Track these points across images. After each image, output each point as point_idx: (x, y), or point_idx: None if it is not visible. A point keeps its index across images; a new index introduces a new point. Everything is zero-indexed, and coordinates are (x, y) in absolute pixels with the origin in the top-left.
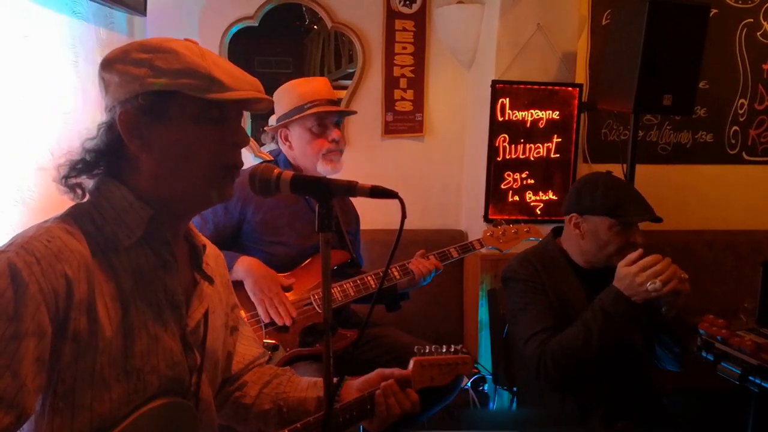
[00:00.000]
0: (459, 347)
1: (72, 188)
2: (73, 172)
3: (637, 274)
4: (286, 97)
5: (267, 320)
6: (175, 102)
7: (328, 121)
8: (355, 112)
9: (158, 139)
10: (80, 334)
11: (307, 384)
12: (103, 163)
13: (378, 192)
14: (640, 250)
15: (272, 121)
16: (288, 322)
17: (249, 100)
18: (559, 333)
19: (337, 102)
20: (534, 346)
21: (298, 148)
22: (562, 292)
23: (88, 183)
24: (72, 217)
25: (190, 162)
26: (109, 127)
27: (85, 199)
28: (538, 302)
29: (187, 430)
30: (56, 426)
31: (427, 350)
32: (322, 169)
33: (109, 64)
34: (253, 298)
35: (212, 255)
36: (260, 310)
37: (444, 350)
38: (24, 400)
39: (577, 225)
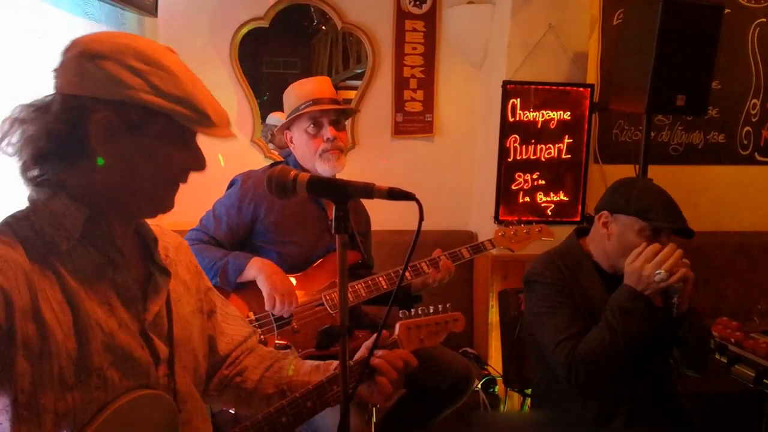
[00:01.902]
0: (447, 306)
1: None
2: (31, 157)
3: (643, 267)
4: (287, 98)
5: (269, 308)
6: (158, 121)
7: (323, 120)
8: (355, 110)
9: (126, 148)
10: (30, 341)
11: (309, 368)
12: (57, 151)
13: (395, 194)
14: (644, 243)
15: (270, 119)
16: (285, 314)
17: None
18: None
19: (336, 101)
20: (563, 353)
21: (299, 148)
22: (588, 295)
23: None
24: (8, 225)
25: (149, 176)
26: (68, 109)
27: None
28: (564, 306)
29: (167, 421)
30: None
31: (413, 313)
32: (321, 169)
33: (97, 56)
34: (261, 288)
35: (172, 245)
36: (267, 300)
37: (431, 311)
38: None
39: (606, 224)
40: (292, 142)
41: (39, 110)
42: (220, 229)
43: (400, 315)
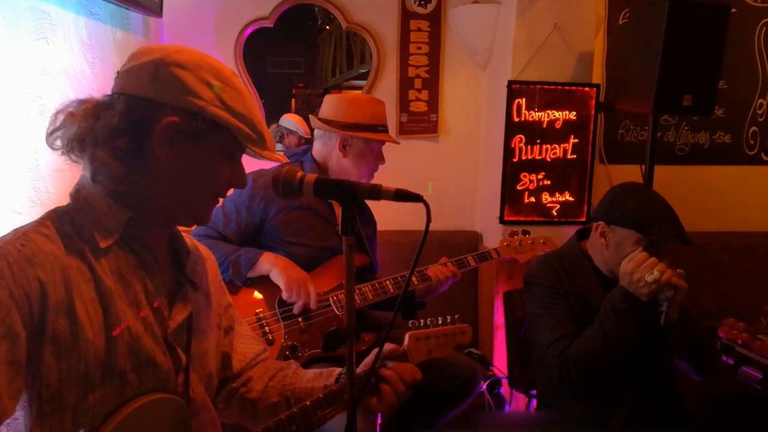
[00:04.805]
0: (455, 317)
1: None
2: (86, 153)
3: (635, 270)
4: (355, 107)
5: (287, 298)
6: (219, 134)
7: (381, 147)
8: (397, 143)
9: (183, 156)
10: (60, 336)
11: (313, 374)
12: (115, 151)
13: (402, 195)
14: (639, 248)
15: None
16: (312, 304)
17: None
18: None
19: None
20: (556, 353)
21: (354, 161)
22: (584, 297)
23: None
24: (50, 219)
25: (197, 185)
26: (134, 110)
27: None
28: (559, 308)
29: (181, 426)
30: (45, 429)
31: (422, 324)
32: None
33: (176, 65)
34: (278, 282)
35: (202, 257)
36: (286, 291)
37: (440, 322)
38: None
39: (603, 234)
40: (344, 148)
41: (98, 108)
42: (229, 226)
43: (409, 325)
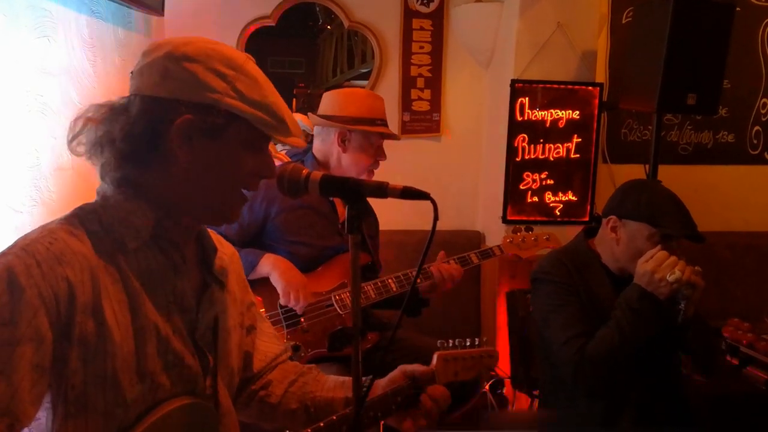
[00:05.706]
0: (483, 339)
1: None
2: (111, 158)
3: (656, 270)
4: (352, 101)
5: (284, 303)
6: (237, 125)
7: (381, 141)
8: (397, 138)
9: (204, 151)
10: (87, 338)
11: (334, 383)
12: (134, 153)
13: (409, 193)
14: (658, 246)
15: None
16: (299, 309)
17: None
18: (591, 336)
19: None
20: (571, 351)
21: (353, 156)
22: (595, 294)
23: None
24: (77, 217)
25: (223, 179)
26: (149, 111)
27: (93, 200)
28: (571, 305)
29: None
30: (70, 430)
31: (450, 344)
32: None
33: (185, 58)
34: (276, 284)
35: (227, 255)
36: (283, 296)
37: (468, 343)
38: (17, 407)
39: (615, 229)
40: (343, 143)
41: (115, 111)
42: (231, 227)
43: (438, 345)
